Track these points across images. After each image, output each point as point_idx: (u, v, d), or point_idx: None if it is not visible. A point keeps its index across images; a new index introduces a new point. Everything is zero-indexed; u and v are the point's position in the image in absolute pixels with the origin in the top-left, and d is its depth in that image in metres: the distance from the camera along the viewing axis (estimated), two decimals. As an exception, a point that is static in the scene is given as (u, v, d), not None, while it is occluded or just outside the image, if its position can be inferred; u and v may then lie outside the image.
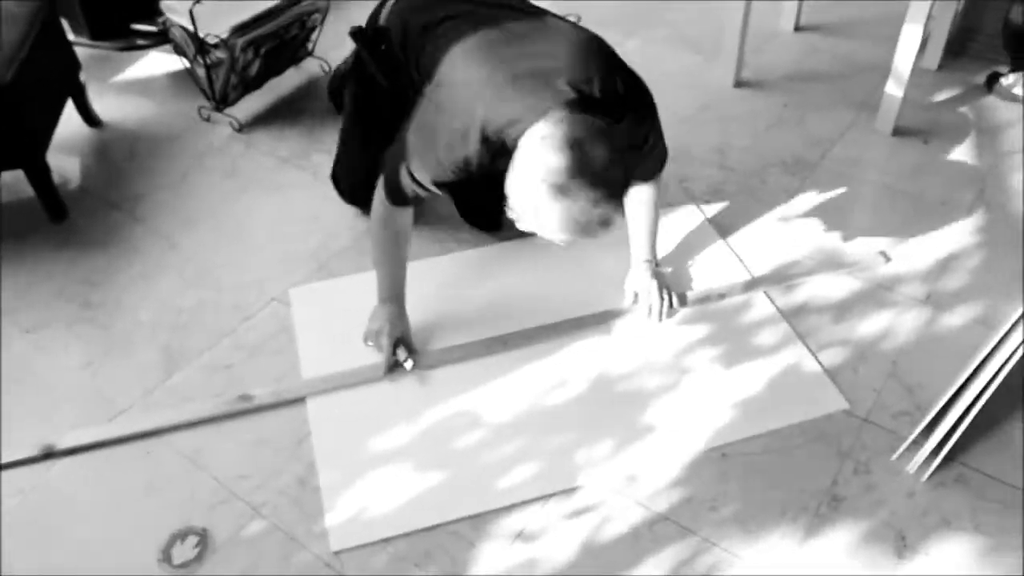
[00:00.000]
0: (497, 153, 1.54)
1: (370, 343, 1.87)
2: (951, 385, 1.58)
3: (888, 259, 2.08)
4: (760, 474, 1.64)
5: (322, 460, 1.68)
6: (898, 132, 2.49)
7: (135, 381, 1.85)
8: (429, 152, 1.61)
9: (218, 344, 1.93)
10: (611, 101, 1.56)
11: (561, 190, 1.38)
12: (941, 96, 2.65)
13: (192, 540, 1.55)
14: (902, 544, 1.52)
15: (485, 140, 1.55)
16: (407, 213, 1.78)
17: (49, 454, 1.69)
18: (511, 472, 1.65)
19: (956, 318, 1.93)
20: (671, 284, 1.98)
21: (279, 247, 2.19)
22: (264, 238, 2.22)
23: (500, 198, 1.47)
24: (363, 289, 1.93)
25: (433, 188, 1.65)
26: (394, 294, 1.87)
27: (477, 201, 2.15)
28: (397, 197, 1.72)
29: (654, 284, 1.93)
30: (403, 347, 1.85)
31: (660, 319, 1.93)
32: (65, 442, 1.71)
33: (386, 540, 1.56)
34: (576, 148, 1.38)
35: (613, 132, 1.44)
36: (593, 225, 1.41)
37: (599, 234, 1.44)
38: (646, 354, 1.88)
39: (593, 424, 1.74)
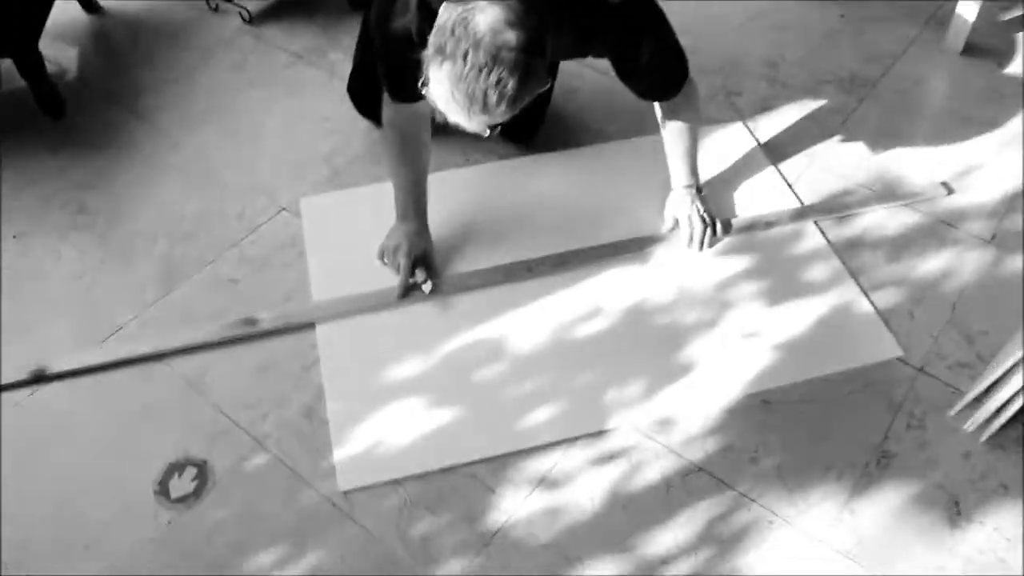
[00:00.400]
0: (428, 19, 1.35)
1: (385, 261, 1.73)
2: (1016, 335, 1.43)
3: (951, 191, 1.91)
4: (804, 425, 1.51)
5: (331, 391, 1.56)
6: (969, 51, 2.27)
7: (133, 295, 1.73)
8: (385, 24, 1.49)
9: (222, 256, 1.79)
10: None
11: (441, 50, 1.25)
12: (1020, 12, 2.42)
13: (190, 472, 1.45)
14: (955, 511, 1.40)
15: (421, 6, 1.42)
16: (417, 114, 1.62)
17: (40, 377, 1.58)
18: (534, 412, 1.53)
19: (1024, 260, 1.78)
20: (714, 210, 1.82)
21: (290, 151, 2.03)
22: (274, 140, 2.06)
23: None
24: (381, 202, 1.78)
25: None
26: (415, 209, 1.72)
27: None
28: (396, 88, 1.57)
29: (695, 210, 1.78)
30: (422, 268, 1.71)
31: (701, 248, 1.78)
32: (57, 366, 1.59)
33: (397, 481, 1.45)
34: (464, 10, 1.24)
35: (527, 11, 1.26)
36: (479, 99, 1.24)
37: (492, 114, 1.27)
38: (684, 286, 1.73)
39: (625, 361, 1.61)
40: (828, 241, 1.81)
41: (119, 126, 2.09)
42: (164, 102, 2.15)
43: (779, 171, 1.96)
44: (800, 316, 1.67)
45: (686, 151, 1.78)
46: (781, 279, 1.74)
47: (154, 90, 2.19)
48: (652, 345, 1.63)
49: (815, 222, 1.85)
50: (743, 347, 1.63)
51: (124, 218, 1.88)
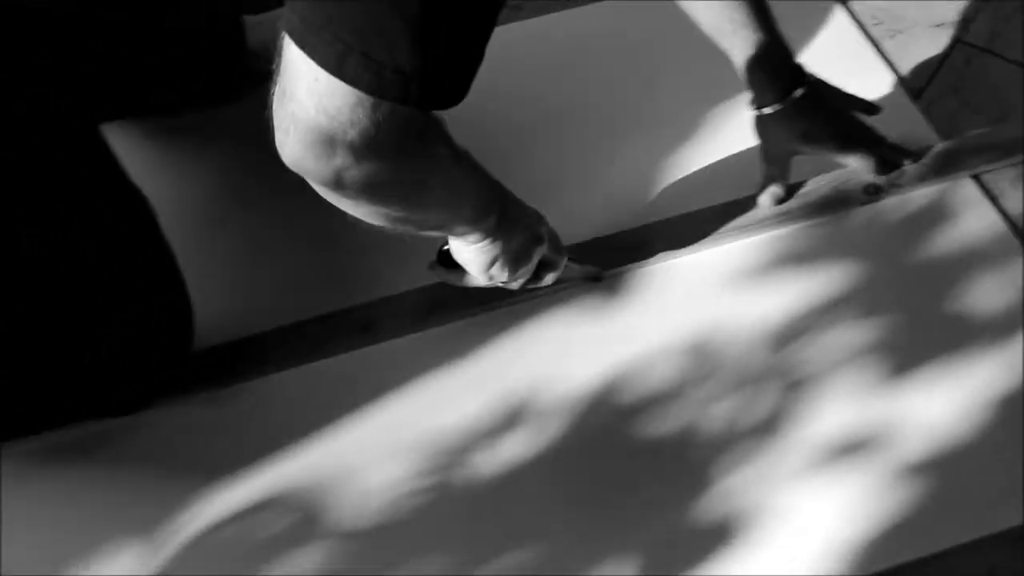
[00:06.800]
0: None
1: (501, 280, 0.92)
2: None
3: None
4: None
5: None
6: None
7: None
8: None
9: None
10: None
11: None
12: None
13: None
14: None
15: None
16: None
17: None
18: None
19: None
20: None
21: None
22: None
23: None
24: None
25: None
26: (499, 188, 0.87)
27: None
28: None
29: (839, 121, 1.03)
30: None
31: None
32: None
33: None
34: None
35: None
36: None
37: None
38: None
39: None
40: (1003, 213, 1.04)
41: None
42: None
43: (904, 88, 1.17)
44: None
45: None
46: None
47: None
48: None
49: (975, 176, 1.08)
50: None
51: None
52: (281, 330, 0.98)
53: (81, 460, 0.94)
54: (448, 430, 0.93)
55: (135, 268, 0.92)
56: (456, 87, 0.66)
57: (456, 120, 0.71)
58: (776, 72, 0.99)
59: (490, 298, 0.97)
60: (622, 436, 0.92)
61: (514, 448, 0.92)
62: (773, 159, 1.04)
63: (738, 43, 0.98)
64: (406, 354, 0.97)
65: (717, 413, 0.93)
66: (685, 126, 1.14)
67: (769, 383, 0.95)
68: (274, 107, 0.65)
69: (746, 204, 1.05)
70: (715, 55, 1.00)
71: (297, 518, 0.89)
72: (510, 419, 0.93)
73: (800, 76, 1.00)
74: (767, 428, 0.93)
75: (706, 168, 1.10)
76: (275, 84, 0.64)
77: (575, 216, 1.04)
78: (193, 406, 0.96)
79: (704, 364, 0.96)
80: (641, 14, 1.25)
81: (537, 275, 0.94)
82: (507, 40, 1.13)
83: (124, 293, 0.91)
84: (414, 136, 0.67)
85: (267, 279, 1.03)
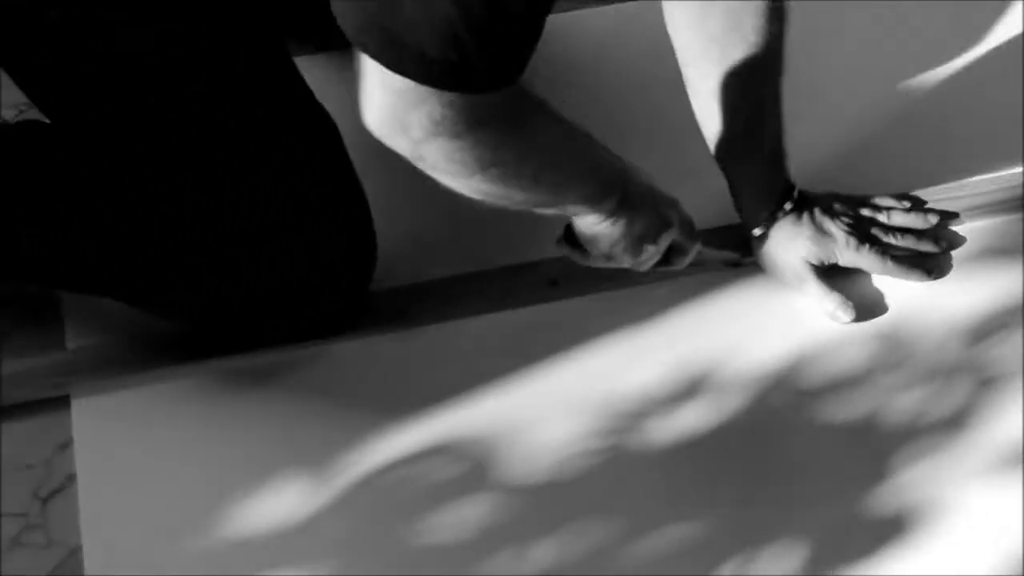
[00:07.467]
0: None
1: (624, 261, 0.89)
2: None
3: None
4: None
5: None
6: None
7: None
8: None
9: None
10: None
11: None
12: None
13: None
14: None
15: None
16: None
17: None
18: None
19: None
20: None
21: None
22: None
23: None
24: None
25: None
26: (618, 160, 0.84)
27: None
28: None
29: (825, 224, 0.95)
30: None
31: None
32: None
33: None
34: None
35: None
36: None
37: None
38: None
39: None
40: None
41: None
42: None
43: None
44: None
45: (763, 100, 0.93)
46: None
47: None
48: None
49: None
50: None
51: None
52: (465, 277, 0.98)
53: (257, 387, 0.94)
54: (625, 394, 0.92)
55: (323, 187, 0.90)
56: (491, 71, 0.64)
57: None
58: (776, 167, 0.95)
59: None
60: (801, 418, 0.91)
61: (688, 419, 0.90)
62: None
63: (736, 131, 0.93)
64: (590, 313, 0.96)
65: (902, 404, 0.91)
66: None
67: (959, 378, 0.92)
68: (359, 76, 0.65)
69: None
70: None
71: (466, 467, 0.89)
72: (688, 389, 0.92)
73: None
74: (953, 423, 0.90)
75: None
76: None
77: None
78: (372, 345, 0.96)
79: (894, 352, 0.93)
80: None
81: (667, 259, 0.91)
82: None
83: (311, 210, 0.89)
84: (487, 113, 0.66)
85: (450, 225, 1.02)
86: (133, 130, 0.87)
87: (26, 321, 0.96)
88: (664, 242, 0.87)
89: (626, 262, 0.88)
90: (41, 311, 0.97)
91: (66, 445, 0.90)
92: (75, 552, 0.84)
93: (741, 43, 0.88)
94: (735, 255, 0.98)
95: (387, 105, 0.65)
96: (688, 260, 0.93)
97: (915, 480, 0.87)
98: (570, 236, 0.88)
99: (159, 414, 0.92)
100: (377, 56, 0.62)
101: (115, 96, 0.86)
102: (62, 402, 0.92)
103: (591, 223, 0.83)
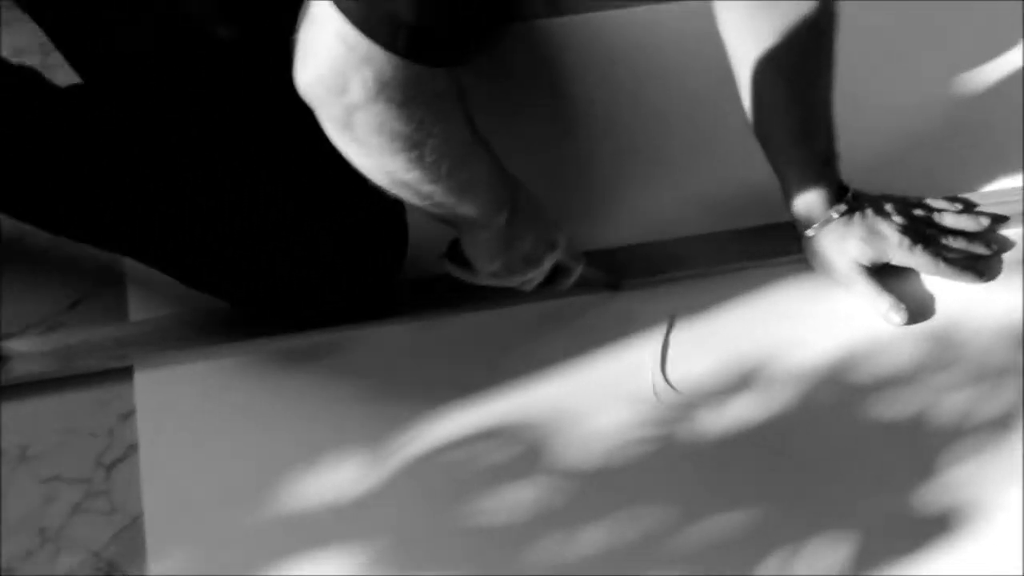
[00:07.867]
0: None
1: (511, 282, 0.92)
2: None
3: None
4: None
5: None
6: None
7: None
8: None
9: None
10: None
11: None
12: None
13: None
14: None
15: None
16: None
17: None
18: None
19: None
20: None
21: None
22: None
23: None
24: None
25: None
26: (511, 180, 0.84)
27: None
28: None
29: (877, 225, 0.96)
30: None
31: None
32: None
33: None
34: None
35: None
36: None
37: None
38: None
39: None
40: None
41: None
42: None
43: None
44: None
45: (815, 101, 0.94)
46: None
47: None
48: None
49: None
50: None
51: None
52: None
53: (313, 366, 0.95)
54: (678, 384, 0.94)
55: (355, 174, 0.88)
56: (452, 49, 0.62)
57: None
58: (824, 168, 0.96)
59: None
60: (851, 414, 0.92)
61: (739, 412, 0.92)
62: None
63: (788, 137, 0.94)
64: (645, 304, 0.98)
65: (950, 404, 0.92)
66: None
67: (1007, 380, 0.93)
68: (301, 30, 0.63)
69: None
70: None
71: (519, 451, 0.90)
72: (740, 383, 0.93)
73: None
74: (1000, 424, 0.91)
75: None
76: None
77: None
78: (431, 328, 0.97)
79: (943, 353, 0.95)
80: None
81: (551, 280, 0.92)
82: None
83: (344, 191, 0.84)
84: (429, 91, 0.64)
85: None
86: (173, 106, 0.87)
87: (93, 292, 0.98)
88: (549, 262, 0.88)
89: (512, 281, 0.88)
90: (107, 283, 0.99)
91: (128, 415, 0.91)
92: (137, 519, 0.86)
93: (792, 44, 0.89)
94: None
95: (334, 58, 0.61)
96: (571, 281, 0.94)
97: (961, 480, 0.88)
98: (454, 254, 0.87)
99: (219, 388, 0.93)
100: (346, 10, 0.58)
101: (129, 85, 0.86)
102: (125, 373, 0.93)
103: (480, 239, 0.82)
